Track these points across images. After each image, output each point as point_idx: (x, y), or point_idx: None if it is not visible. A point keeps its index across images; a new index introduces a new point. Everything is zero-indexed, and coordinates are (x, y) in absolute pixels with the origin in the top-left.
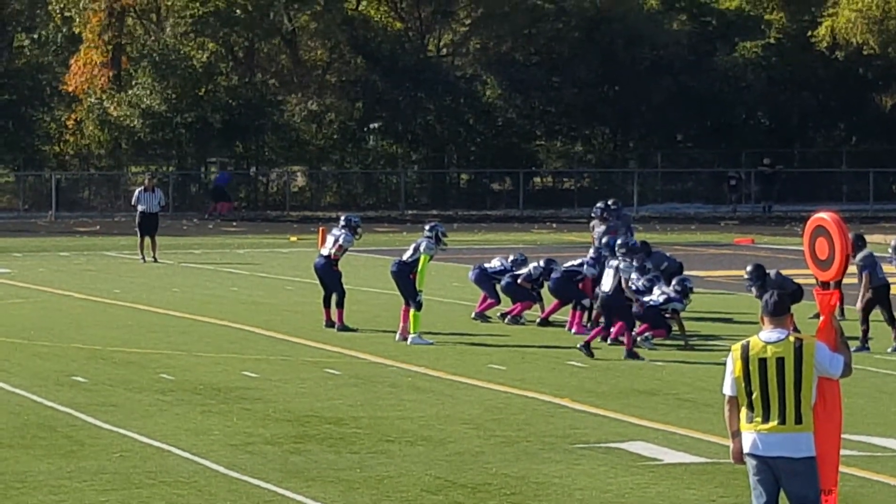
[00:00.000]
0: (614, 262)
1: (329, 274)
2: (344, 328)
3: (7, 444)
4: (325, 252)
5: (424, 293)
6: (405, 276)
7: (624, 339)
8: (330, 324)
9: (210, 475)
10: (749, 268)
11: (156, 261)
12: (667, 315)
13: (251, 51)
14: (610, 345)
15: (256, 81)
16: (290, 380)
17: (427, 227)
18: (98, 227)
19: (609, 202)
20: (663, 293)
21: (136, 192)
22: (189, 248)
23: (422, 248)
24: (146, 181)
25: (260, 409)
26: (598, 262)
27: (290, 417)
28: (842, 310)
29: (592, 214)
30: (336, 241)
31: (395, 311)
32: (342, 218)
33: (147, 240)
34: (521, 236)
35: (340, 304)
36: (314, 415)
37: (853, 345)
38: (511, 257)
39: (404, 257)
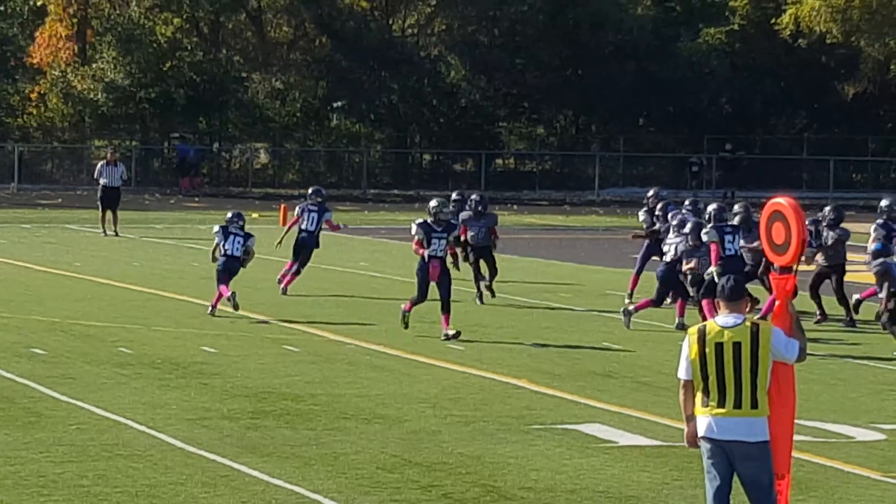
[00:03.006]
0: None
1: (312, 249)
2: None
3: None
4: (311, 228)
5: (382, 273)
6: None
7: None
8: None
9: (166, 449)
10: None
11: (117, 234)
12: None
13: (216, 27)
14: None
15: (221, 58)
16: (249, 356)
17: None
18: (60, 199)
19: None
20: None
21: (99, 166)
22: (151, 223)
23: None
24: (108, 155)
25: (218, 384)
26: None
27: (247, 393)
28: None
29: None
30: (323, 217)
31: (354, 289)
32: (314, 192)
33: (108, 213)
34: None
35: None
36: (271, 391)
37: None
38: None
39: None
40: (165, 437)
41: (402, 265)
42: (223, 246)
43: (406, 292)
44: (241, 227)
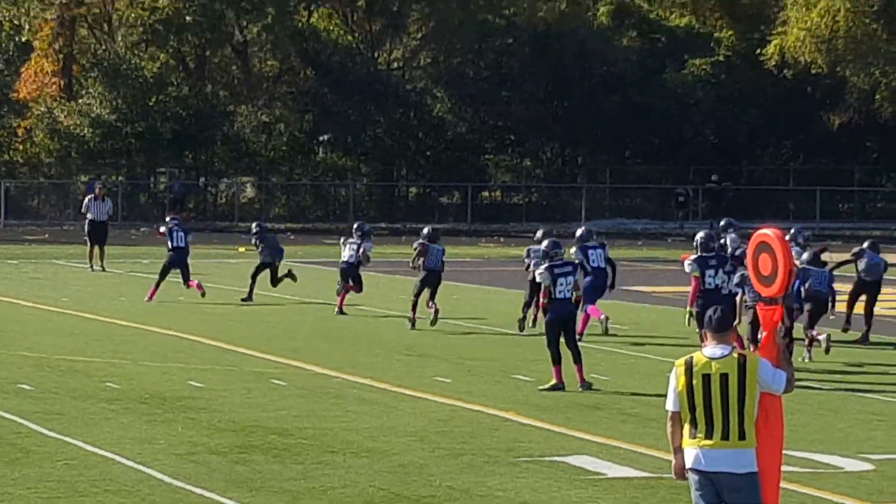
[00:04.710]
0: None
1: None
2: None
3: None
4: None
5: (369, 306)
6: None
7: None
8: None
9: (154, 484)
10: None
11: (104, 270)
12: None
13: (202, 61)
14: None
15: (207, 92)
16: (236, 390)
17: None
18: (46, 235)
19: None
20: None
21: (86, 200)
22: (137, 258)
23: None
24: (96, 189)
25: (205, 418)
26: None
27: (234, 427)
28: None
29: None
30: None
31: (341, 322)
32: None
33: (96, 248)
34: (468, 250)
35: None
36: (259, 425)
37: None
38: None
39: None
40: (153, 472)
41: (387, 298)
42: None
43: (391, 326)
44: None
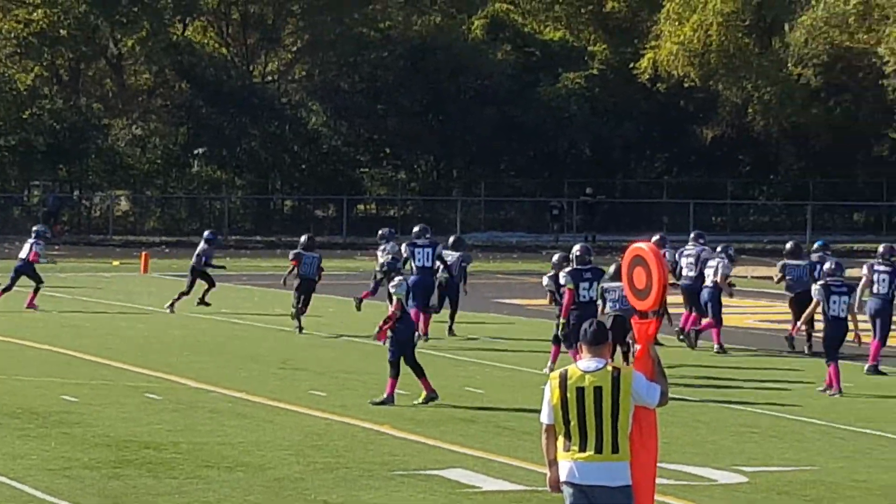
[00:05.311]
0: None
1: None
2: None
3: None
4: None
5: (245, 321)
6: None
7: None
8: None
9: (28, 500)
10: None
11: None
12: None
13: (76, 74)
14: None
15: (81, 105)
16: (111, 404)
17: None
18: None
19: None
20: None
21: None
22: (10, 271)
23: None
24: None
25: (79, 433)
26: None
27: (109, 442)
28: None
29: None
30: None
31: (216, 336)
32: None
33: None
34: (343, 263)
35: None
36: (133, 439)
37: None
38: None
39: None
40: (26, 489)
41: (264, 311)
42: None
43: (267, 340)
44: None
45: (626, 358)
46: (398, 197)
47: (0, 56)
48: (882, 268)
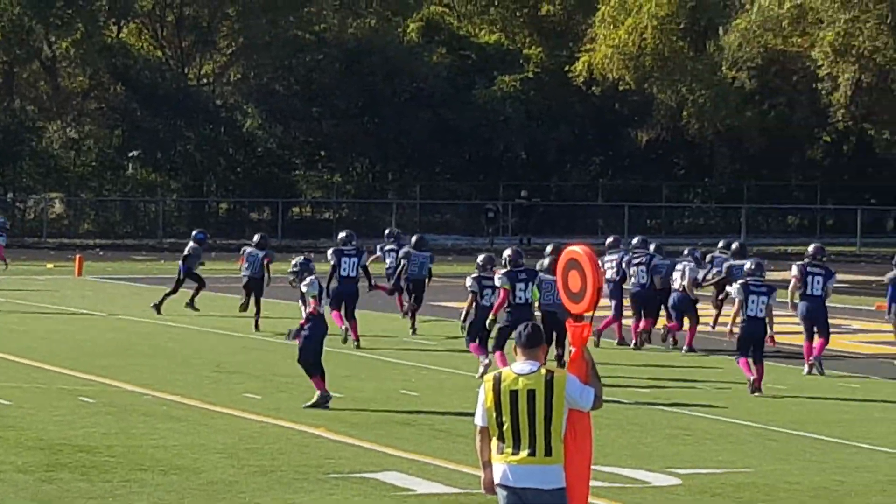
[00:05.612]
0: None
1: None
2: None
3: None
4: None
5: (180, 324)
6: None
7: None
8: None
9: None
10: None
11: None
12: None
13: (9, 76)
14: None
15: (14, 108)
16: (44, 407)
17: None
18: None
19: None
20: None
21: None
22: None
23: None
24: None
25: (12, 436)
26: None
27: (42, 445)
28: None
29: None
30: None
31: (151, 338)
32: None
33: None
34: (278, 266)
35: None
36: (67, 443)
37: None
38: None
39: None
40: None
41: (199, 314)
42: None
43: (202, 343)
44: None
45: (559, 361)
46: (333, 200)
47: None
48: (815, 269)
